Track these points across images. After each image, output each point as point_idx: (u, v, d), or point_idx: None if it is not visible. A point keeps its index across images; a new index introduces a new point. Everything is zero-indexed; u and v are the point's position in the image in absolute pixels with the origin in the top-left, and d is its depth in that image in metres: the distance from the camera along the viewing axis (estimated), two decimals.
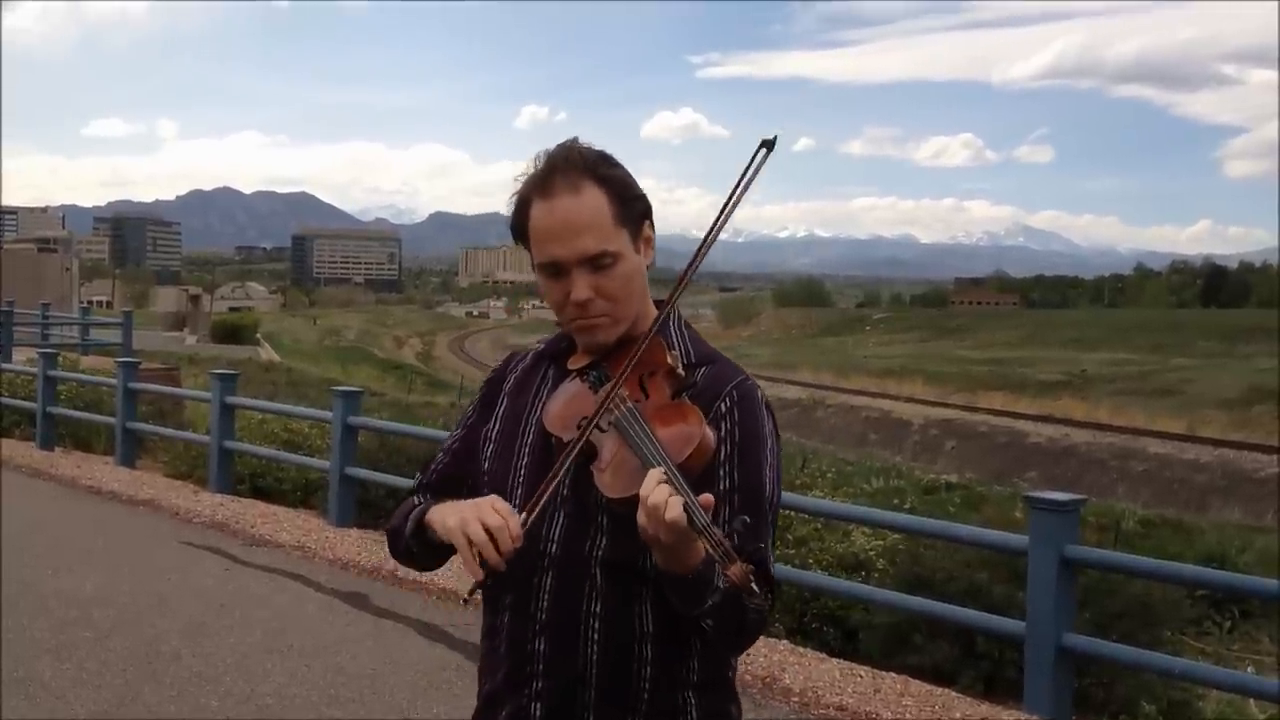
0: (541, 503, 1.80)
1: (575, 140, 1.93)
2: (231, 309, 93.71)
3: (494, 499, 1.81)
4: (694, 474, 1.71)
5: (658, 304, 1.99)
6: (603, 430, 1.81)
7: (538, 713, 1.87)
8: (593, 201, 1.86)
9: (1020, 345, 70.29)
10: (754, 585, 1.55)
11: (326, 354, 70.09)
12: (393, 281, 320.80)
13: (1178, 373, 50.66)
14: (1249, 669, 7.82)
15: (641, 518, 1.65)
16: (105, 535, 9.11)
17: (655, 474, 1.65)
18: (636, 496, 1.67)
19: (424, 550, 1.96)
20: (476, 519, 1.76)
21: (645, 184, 1.94)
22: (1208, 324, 72.79)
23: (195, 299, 63.21)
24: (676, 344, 1.93)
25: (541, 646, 1.87)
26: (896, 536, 7.84)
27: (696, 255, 1.90)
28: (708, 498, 1.63)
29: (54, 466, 12.12)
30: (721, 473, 1.82)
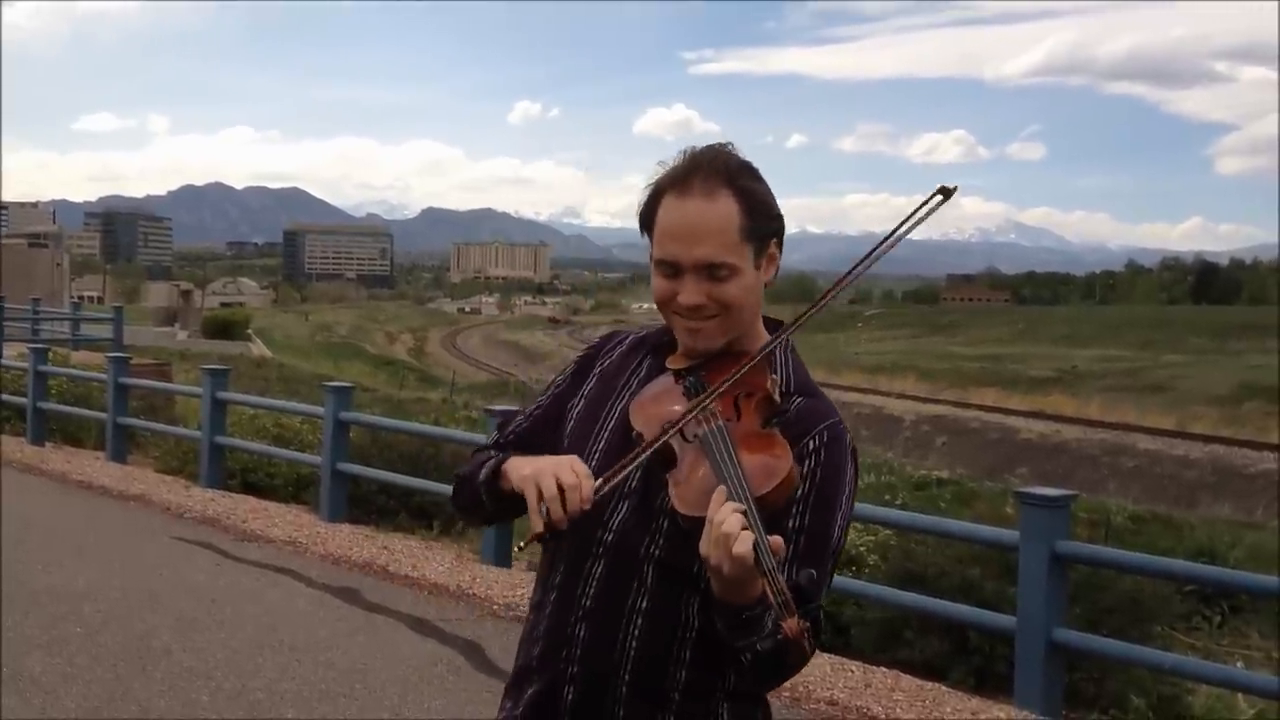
0: (616, 479, 1.78)
1: (726, 145, 1.90)
2: (223, 304, 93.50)
3: (574, 459, 1.79)
4: (772, 509, 1.68)
5: (767, 322, 1.96)
6: (687, 440, 1.77)
7: (569, 696, 1.86)
8: (725, 210, 1.83)
9: (1012, 342, 70.40)
10: (806, 644, 1.53)
11: (318, 350, 70.03)
12: (385, 277, 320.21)
13: (1168, 369, 50.75)
14: (1238, 664, 7.85)
15: (706, 545, 1.62)
16: (96, 530, 9.09)
17: (731, 505, 1.62)
18: (705, 518, 1.64)
19: (492, 499, 1.93)
20: (552, 473, 1.75)
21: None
22: (1198, 321, 72.97)
23: (186, 294, 63.16)
24: (779, 369, 1.90)
25: (582, 632, 1.86)
26: (888, 532, 7.86)
27: (836, 285, 1.86)
28: (778, 540, 1.59)
29: (45, 462, 12.09)
30: (795, 511, 1.79)
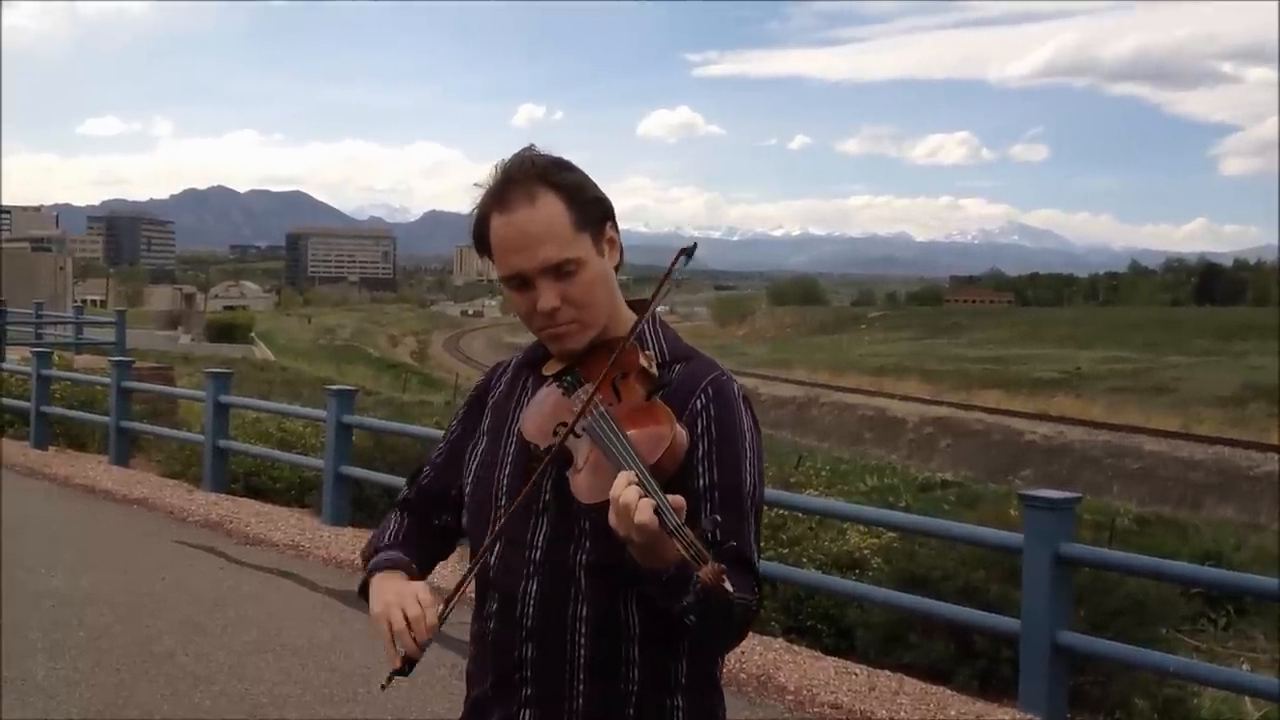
0: (469, 581, 1.84)
1: (530, 148, 1.93)
2: (226, 308, 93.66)
3: (419, 589, 1.85)
4: (667, 474, 1.70)
5: (630, 304, 1.99)
6: (577, 436, 1.80)
7: (526, 719, 1.87)
8: (549, 210, 1.85)
9: (1015, 343, 70.31)
10: (726, 585, 1.54)
11: (321, 353, 70.02)
12: (387, 280, 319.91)
13: (1172, 370, 50.69)
14: (1244, 666, 7.83)
15: (612, 520, 1.64)
16: (99, 534, 9.09)
17: (625, 476, 1.65)
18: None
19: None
20: (399, 607, 1.81)
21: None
22: (1202, 322, 72.87)
23: (189, 298, 63.28)
24: (651, 343, 1.92)
25: (529, 653, 1.86)
26: (891, 535, 7.85)
27: (654, 296, 1.93)
28: (678, 499, 1.62)
29: (48, 465, 12.10)
30: (700, 470, 1.82)
